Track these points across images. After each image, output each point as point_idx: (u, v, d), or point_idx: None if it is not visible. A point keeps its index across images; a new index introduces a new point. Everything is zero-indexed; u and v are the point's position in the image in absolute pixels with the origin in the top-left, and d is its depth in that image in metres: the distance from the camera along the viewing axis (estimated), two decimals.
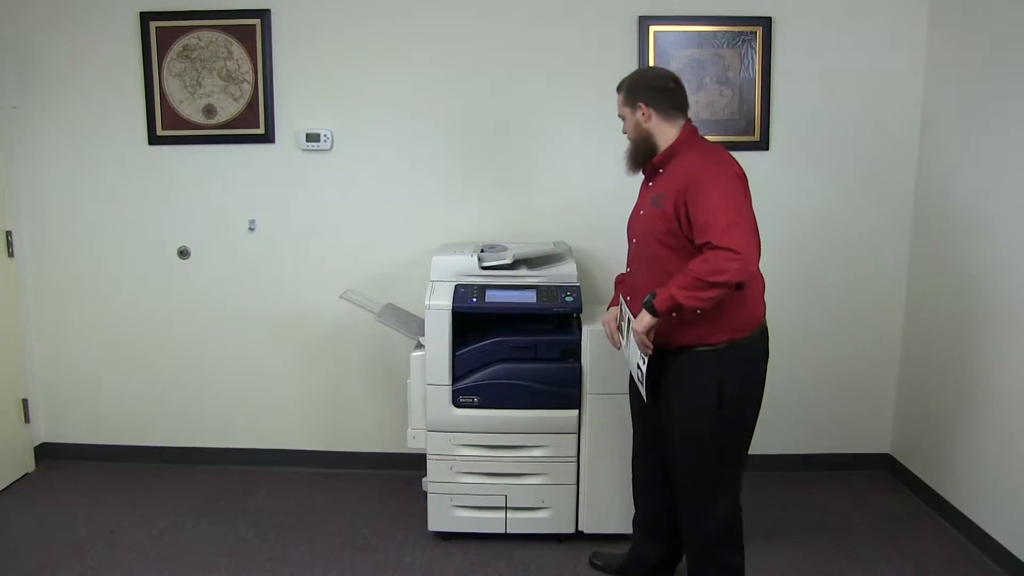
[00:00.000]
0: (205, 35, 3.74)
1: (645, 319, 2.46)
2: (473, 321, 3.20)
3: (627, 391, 2.94)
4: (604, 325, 2.86)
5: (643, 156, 2.67)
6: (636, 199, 2.78)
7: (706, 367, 2.54)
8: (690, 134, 2.65)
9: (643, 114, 2.64)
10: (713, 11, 3.66)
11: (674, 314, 2.45)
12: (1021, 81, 2.99)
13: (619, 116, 2.74)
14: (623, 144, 2.80)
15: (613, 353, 2.95)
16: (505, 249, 3.34)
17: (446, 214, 3.81)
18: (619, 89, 2.73)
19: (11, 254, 3.84)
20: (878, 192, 3.77)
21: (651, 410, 2.71)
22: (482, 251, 3.33)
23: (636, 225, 2.72)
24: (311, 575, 3.08)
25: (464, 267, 3.24)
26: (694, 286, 2.37)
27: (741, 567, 2.69)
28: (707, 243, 2.39)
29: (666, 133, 2.64)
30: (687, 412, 2.58)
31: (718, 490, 2.63)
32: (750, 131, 3.71)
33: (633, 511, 3.02)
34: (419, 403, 3.22)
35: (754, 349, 2.60)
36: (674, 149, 2.62)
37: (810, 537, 3.34)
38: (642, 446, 2.91)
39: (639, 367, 2.55)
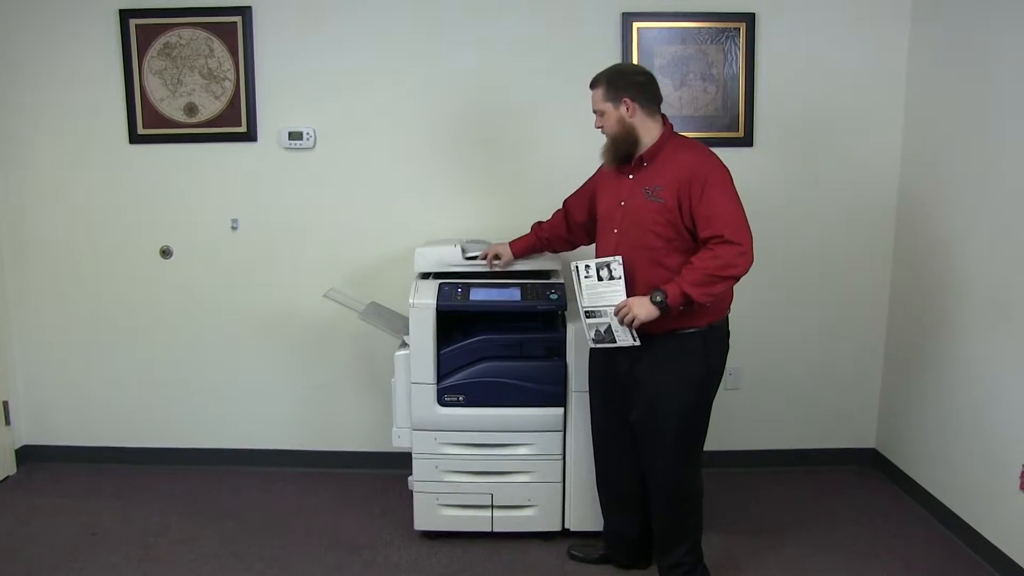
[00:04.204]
0: (186, 33, 3.71)
1: (652, 311, 2.60)
2: (458, 319, 3.19)
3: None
4: (488, 256, 3.21)
5: (625, 150, 2.76)
6: (603, 189, 2.90)
7: (693, 346, 2.73)
8: (672, 130, 2.79)
9: (627, 109, 2.72)
10: (696, 7, 3.66)
11: (681, 307, 2.60)
12: (1003, 77, 3.01)
13: (595, 111, 2.81)
14: (604, 140, 2.81)
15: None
16: (488, 243, 3.34)
17: (430, 212, 3.79)
18: (595, 84, 2.81)
19: None
20: (862, 188, 3.78)
21: (620, 390, 2.86)
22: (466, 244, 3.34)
23: (616, 215, 2.79)
24: (297, 575, 3.07)
25: (448, 258, 3.25)
26: (706, 282, 2.57)
27: (700, 528, 2.91)
28: (718, 236, 2.57)
29: (649, 128, 2.75)
30: (676, 387, 2.74)
31: (692, 459, 2.83)
32: (734, 127, 3.71)
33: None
34: (404, 402, 3.21)
35: (725, 329, 2.85)
36: (661, 143, 2.73)
37: (796, 532, 3.35)
38: (607, 425, 2.97)
39: (626, 335, 2.69)
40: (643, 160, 2.74)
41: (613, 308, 2.68)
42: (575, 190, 3.16)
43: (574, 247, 3.26)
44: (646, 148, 2.73)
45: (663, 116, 2.79)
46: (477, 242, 3.39)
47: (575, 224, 3.14)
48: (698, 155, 2.69)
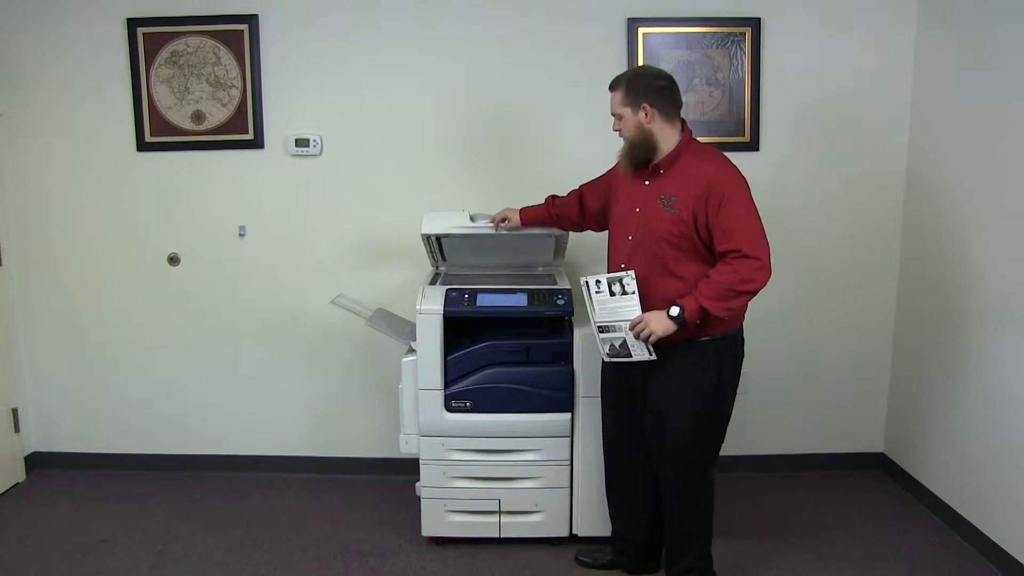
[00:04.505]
0: (193, 41, 3.72)
1: (670, 326, 2.59)
2: (465, 325, 3.19)
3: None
4: (496, 219, 3.20)
5: (643, 156, 2.72)
6: (619, 193, 2.87)
7: (705, 355, 2.70)
8: (691, 137, 2.74)
9: (646, 115, 2.68)
10: (702, 12, 3.66)
11: (698, 321, 2.58)
12: (1008, 79, 3.00)
13: (614, 114, 2.75)
14: (614, 144, 2.81)
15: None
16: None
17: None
18: (614, 87, 2.75)
19: None
20: (869, 192, 3.77)
21: (632, 399, 2.85)
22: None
23: (631, 221, 2.76)
24: None
25: (455, 220, 3.27)
26: (725, 296, 2.54)
27: (710, 535, 2.89)
28: (736, 250, 2.54)
29: (667, 134, 2.70)
30: (687, 397, 2.71)
31: (704, 468, 2.80)
32: (740, 132, 3.71)
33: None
34: (411, 408, 3.21)
35: (739, 338, 2.81)
36: (678, 151, 2.69)
37: (804, 537, 3.34)
38: (619, 433, 2.96)
39: (642, 350, 2.68)
40: (659, 168, 2.70)
41: (628, 323, 2.67)
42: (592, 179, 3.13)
43: (582, 230, 3.25)
44: (663, 155, 2.70)
45: (683, 121, 2.74)
46: (485, 215, 3.40)
47: (588, 212, 3.12)
48: (715, 166, 2.65)
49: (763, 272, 2.55)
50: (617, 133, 2.78)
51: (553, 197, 3.23)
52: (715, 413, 2.77)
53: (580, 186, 3.16)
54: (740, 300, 2.59)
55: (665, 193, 2.66)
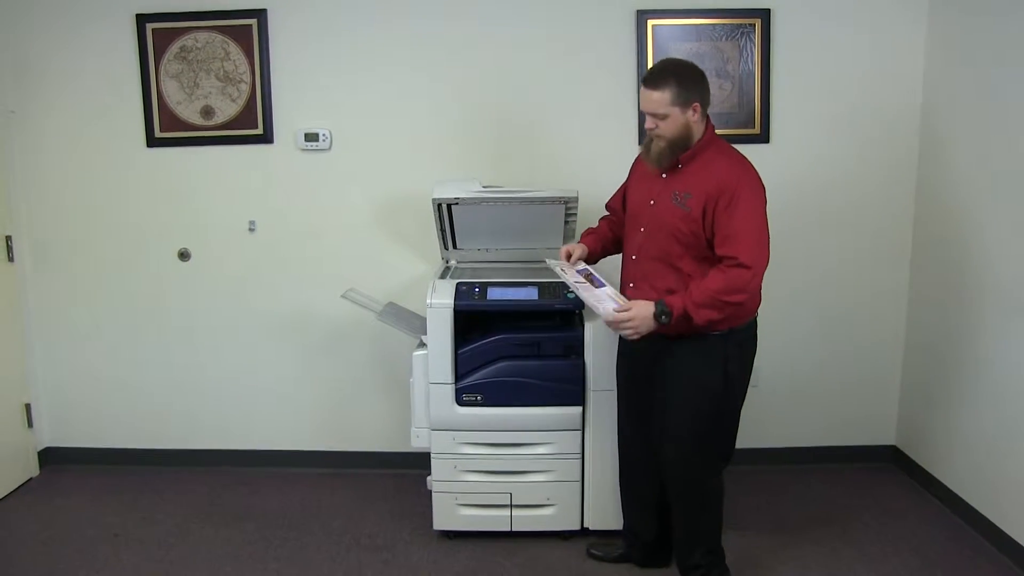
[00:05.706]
0: (202, 36, 3.73)
1: (653, 324, 2.58)
2: (475, 319, 3.20)
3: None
4: (558, 264, 2.93)
5: (679, 154, 2.63)
6: (635, 183, 2.84)
7: (712, 351, 2.67)
8: (714, 133, 2.68)
9: (694, 113, 2.58)
10: (711, 3, 3.64)
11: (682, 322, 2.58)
12: (1020, 71, 2.98)
13: (656, 114, 2.58)
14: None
15: (617, 350, 2.98)
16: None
17: None
18: (660, 85, 2.55)
19: (11, 259, 3.83)
20: (880, 185, 3.75)
21: (644, 393, 2.84)
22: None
23: (644, 213, 2.74)
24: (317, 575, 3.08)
25: (466, 185, 3.27)
26: (711, 304, 2.53)
27: (720, 530, 2.87)
28: (732, 257, 2.51)
29: (699, 131, 2.64)
30: (692, 393, 2.70)
31: (711, 462, 2.78)
32: (750, 124, 3.70)
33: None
34: (422, 402, 3.21)
35: (749, 333, 2.77)
36: (700, 148, 2.64)
37: (815, 530, 3.34)
38: (630, 427, 2.96)
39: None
40: (678, 163, 2.65)
41: (614, 307, 2.67)
42: (613, 193, 3.04)
43: None
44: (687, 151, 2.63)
45: (708, 117, 2.68)
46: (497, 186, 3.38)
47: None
48: (732, 166, 2.59)
49: (753, 283, 2.55)
50: (651, 131, 2.63)
51: (591, 228, 3.09)
52: (721, 411, 2.74)
53: (606, 205, 3.06)
54: (724, 311, 2.55)
55: (679, 189, 2.63)
